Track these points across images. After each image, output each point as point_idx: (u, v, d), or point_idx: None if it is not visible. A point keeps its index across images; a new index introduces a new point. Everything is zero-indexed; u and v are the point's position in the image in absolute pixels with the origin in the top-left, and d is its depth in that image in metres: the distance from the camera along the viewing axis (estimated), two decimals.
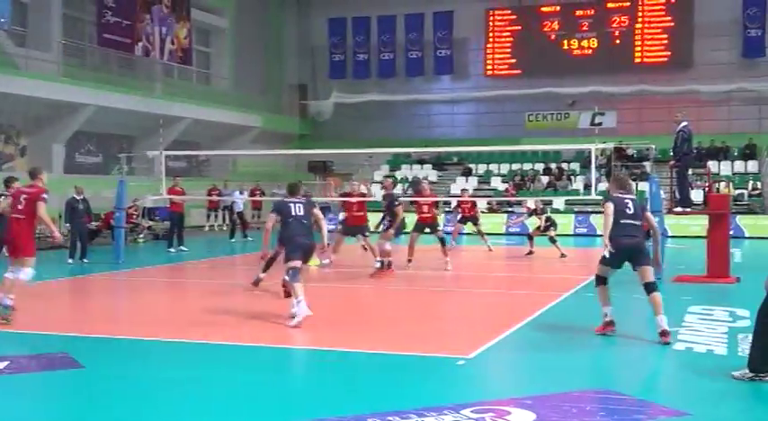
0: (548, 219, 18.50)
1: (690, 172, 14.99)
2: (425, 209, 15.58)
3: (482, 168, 33.13)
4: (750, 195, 27.36)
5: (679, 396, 6.40)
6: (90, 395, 6.41)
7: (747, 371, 6.53)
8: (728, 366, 6.83)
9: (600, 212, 8.88)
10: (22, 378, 6.94)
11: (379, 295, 12.54)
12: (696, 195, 21.24)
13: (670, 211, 15.17)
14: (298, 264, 9.27)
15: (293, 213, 9.41)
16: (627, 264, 8.47)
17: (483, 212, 22.77)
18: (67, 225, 17.84)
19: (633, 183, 27.18)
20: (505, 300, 12.11)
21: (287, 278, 9.36)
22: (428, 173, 32.20)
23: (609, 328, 8.49)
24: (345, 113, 35.48)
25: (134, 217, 22.84)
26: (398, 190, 28.30)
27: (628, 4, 32.81)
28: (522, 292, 12.98)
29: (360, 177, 29.31)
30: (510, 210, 27.69)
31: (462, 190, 23.96)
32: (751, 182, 27.98)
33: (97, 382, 6.77)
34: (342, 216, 16.94)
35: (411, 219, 15.99)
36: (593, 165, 16.13)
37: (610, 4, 32.98)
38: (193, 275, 16.15)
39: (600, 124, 31.38)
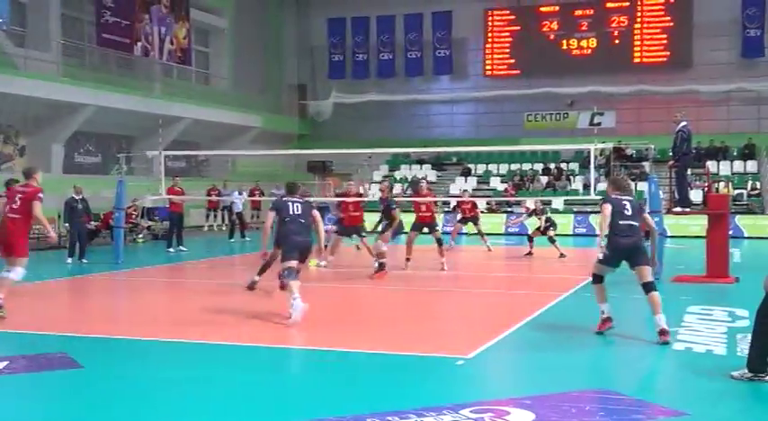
0: (547, 219, 18.50)
1: (689, 172, 15.00)
2: (424, 208, 15.60)
3: (481, 168, 33.13)
4: (749, 195, 27.37)
5: (678, 396, 6.41)
6: (89, 395, 6.40)
7: (746, 371, 6.53)
8: (727, 366, 6.83)
9: (599, 212, 8.88)
10: (21, 378, 6.93)
11: (377, 295, 12.54)
12: (695, 195, 21.27)
13: (669, 211, 15.18)
14: (293, 264, 9.29)
15: (291, 212, 9.45)
16: (625, 264, 8.50)
17: (482, 212, 22.76)
18: (66, 225, 17.83)
19: (632, 184, 27.42)
20: (505, 300, 12.11)
21: (283, 278, 9.39)
22: (427, 173, 32.21)
23: (607, 325, 8.52)
24: (345, 113, 35.49)
25: (133, 217, 22.83)
26: (398, 190, 28.38)
27: (627, 3, 32.82)
28: (521, 292, 12.99)
29: (359, 177, 29.36)
30: (509, 210, 27.70)
31: (463, 191, 24.00)
32: (750, 182, 27.99)
33: (96, 382, 6.77)
34: (335, 214, 17.00)
35: (410, 220, 16.01)
36: (592, 166, 16.12)
37: (609, 4, 32.98)
38: (193, 275, 16.15)
39: (599, 124, 31.50)
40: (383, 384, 6.75)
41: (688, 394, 6.44)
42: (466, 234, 22.28)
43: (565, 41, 33.45)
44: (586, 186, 26.10)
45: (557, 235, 18.57)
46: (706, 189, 19.22)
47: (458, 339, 8.65)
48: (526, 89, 33.57)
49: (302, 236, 9.46)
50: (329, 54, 36.87)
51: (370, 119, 34.95)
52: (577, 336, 8.61)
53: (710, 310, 10.10)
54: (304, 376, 7.29)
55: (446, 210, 27.14)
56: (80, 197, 17.58)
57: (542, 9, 33.90)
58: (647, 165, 25.40)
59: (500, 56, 34.66)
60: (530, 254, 18.27)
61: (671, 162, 14.38)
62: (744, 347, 7.24)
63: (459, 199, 21.01)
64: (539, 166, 32.00)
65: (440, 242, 15.25)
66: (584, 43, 33.26)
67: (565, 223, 24.31)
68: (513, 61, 34.45)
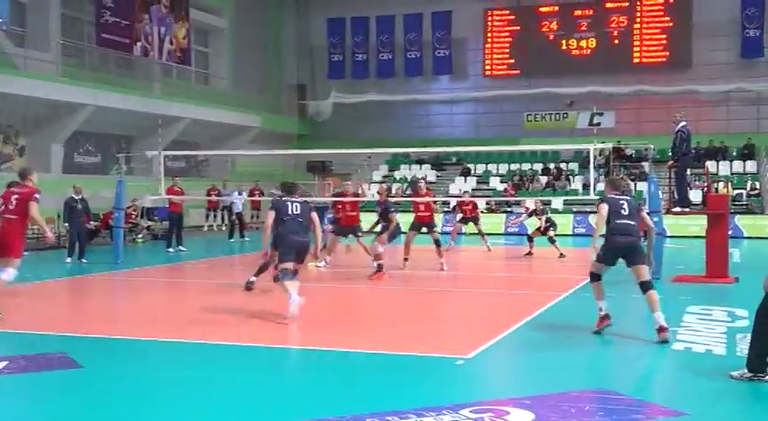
0: (548, 219, 18.50)
1: (688, 172, 15.00)
2: (422, 208, 15.59)
3: (481, 168, 33.14)
4: (749, 195, 27.38)
5: (677, 396, 6.41)
6: (88, 395, 6.40)
7: (746, 371, 6.53)
8: (727, 366, 6.84)
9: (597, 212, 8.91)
10: (21, 378, 6.92)
11: (377, 295, 12.54)
12: (695, 195, 21.27)
13: (669, 211, 15.18)
14: (289, 266, 9.39)
15: (290, 212, 9.54)
16: (624, 265, 8.53)
17: (482, 212, 22.77)
18: (66, 225, 17.83)
19: (632, 184, 27.44)
20: (504, 300, 12.11)
21: (279, 278, 9.50)
22: (427, 173, 32.21)
23: (605, 322, 8.54)
24: (344, 113, 35.49)
25: (133, 217, 22.84)
26: (396, 189, 28.35)
27: (626, 4, 32.83)
28: (520, 292, 12.99)
29: (358, 177, 29.36)
30: (509, 210, 27.71)
31: (463, 192, 24.00)
32: (749, 182, 28.00)
33: (96, 382, 6.77)
34: (331, 214, 17.07)
35: (409, 220, 16.01)
36: (591, 166, 16.14)
37: (608, 5, 33.00)
38: (192, 275, 16.15)
39: (598, 124, 31.49)
40: (383, 384, 6.75)
41: (687, 394, 6.44)
42: (465, 234, 22.26)
43: (564, 41, 33.46)
44: (586, 186, 26.13)
45: (556, 235, 18.57)
46: (705, 189, 19.25)
47: (457, 339, 8.65)
48: (526, 89, 33.59)
49: (299, 235, 9.52)
50: (329, 54, 36.88)
51: (369, 119, 34.95)
52: (577, 336, 8.61)
53: (710, 310, 10.10)
54: (303, 376, 7.29)
55: (446, 210, 27.16)
56: (79, 197, 17.58)
57: (542, 9, 33.91)
58: (646, 166, 25.39)
59: (500, 56, 34.67)
60: (529, 254, 18.27)
61: (670, 162, 14.39)
62: (743, 347, 7.25)
63: (460, 199, 21.03)
64: (538, 166, 32.02)
65: (438, 243, 15.25)
66: (583, 43, 33.27)
67: (564, 223, 24.32)
68: (512, 61, 34.45)
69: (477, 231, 20.07)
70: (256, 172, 29.46)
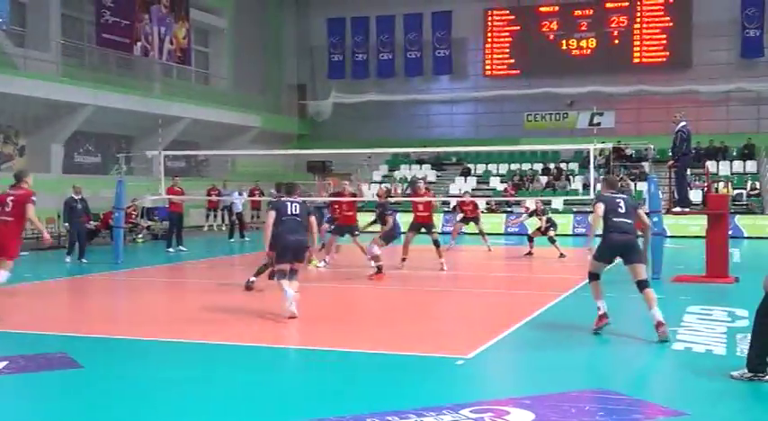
0: (548, 219, 18.51)
1: (688, 172, 15.00)
2: (421, 208, 15.59)
3: (481, 168, 33.13)
4: (749, 195, 27.38)
5: (677, 396, 6.41)
6: (89, 395, 6.40)
7: (746, 370, 6.54)
8: (727, 366, 6.84)
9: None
10: (21, 378, 6.93)
11: (377, 295, 12.54)
12: (695, 195, 21.28)
13: (669, 211, 15.18)
14: (284, 267, 9.55)
15: (289, 212, 9.70)
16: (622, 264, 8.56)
17: (482, 212, 22.78)
18: (66, 224, 17.83)
19: (631, 184, 27.45)
20: (504, 300, 12.11)
21: (275, 279, 9.68)
22: (427, 173, 32.21)
23: (603, 321, 8.56)
24: (344, 113, 35.49)
25: (133, 217, 22.83)
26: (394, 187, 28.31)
27: (626, 4, 32.82)
28: (520, 292, 12.99)
29: (357, 177, 29.35)
30: (509, 210, 27.70)
31: (464, 192, 24.01)
32: (749, 182, 27.99)
33: (96, 382, 6.77)
34: (328, 214, 17.10)
35: (409, 220, 16.03)
36: (591, 166, 16.12)
37: (608, 5, 32.99)
38: (192, 275, 16.15)
39: (598, 124, 31.52)
40: (383, 384, 6.75)
41: (688, 394, 6.44)
42: (466, 234, 22.24)
43: (564, 41, 33.45)
44: (586, 186, 26.11)
45: (557, 235, 18.57)
46: (705, 189, 19.25)
47: (458, 339, 8.65)
48: (526, 89, 33.59)
49: (296, 234, 9.65)
50: (329, 54, 36.87)
51: (369, 119, 34.95)
52: (577, 336, 8.62)
53: (710, 310, 10.10)
54: (304, 376, 7.29)
55: (446, 209, 27.16)
56: (79, 197, 17.58)
57: (542, 9, 33.91)
58: (646, 166, 25.40)
59: (500, 56, 34.67)
60: (530, 254, 18.28)
61: (670, 162, 14.39)
62: (743, 347, 7.25)
63: (460, 199, 21.04)
64: (538, 166, 32.01)
65: (437, 243, 15.24)
66: (583, 43, 33.27)
67: (564, 223, 24.32)
68: (512, 61, 34.45)
69: (478, 231, 20.09)
70: (256, 172, 29.46)
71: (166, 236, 20.66)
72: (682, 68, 31.86)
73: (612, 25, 32.97)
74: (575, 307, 10.71)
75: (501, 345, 8.18)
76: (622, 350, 8.11)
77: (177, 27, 29.83)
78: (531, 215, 19.63)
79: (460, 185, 30.58)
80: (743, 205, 26.60)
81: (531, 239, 18.50)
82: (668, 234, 18.24)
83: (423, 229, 15.48)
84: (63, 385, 6.73)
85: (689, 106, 25.95)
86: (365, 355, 7.78)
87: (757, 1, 31.02)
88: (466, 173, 32.42)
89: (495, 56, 34.71)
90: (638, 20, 32.71)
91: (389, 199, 16.00)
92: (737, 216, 24.65)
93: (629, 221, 8.51)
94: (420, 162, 33.68)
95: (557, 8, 33.63)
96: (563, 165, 31.59)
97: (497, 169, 32.86)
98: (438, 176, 32.64)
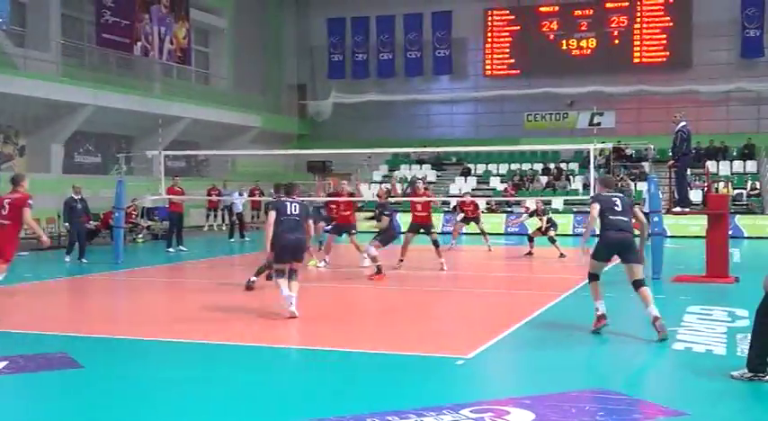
0: (549, 219, 18.52)
1: (688, 172, 15.00)
2: (419, 208, 15.58)
3: (481, 168, 33.13)
4: (749, 195, 27.38)
5: (678, 396, 6.41)
6: (89, 395, 6.40)
7: (746, 370, 6.54)
8: (727, 366, 6.84)
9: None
10: (21, 378, 6.93)
11: (377, 295, 12.54)
12: (695, 195, 21.28)
13: (669, 211, 15.18)
14: (282, 267, 9.70)
15: (289, 212, 9.83)
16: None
17: (483, 212, 22.79)
18: (66, 224, 17.84)
19: (632, 184, 27.45)
20: (504, 300, 12.11)
21: (273, 278, 9.93)
22: (427, 173, 32.20)
23: (601, 322, 8.58)
24: (344, 113, 35.50)
25: (133, 217, 22.83)
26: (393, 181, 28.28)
27: (626, 4, 32.82)
28: (521, 292, 12.99)
29: (356, 177, 29.34)
30: (509, 210, 27.70)
31: (464, 193, 24.04)
32: (750, 182, 27.99)
33: (96, 382, 6.77)
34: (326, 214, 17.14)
35: (408, 220, 16.03)
36: (591, 165, 16.11)
37: (608, 4, 32.98)
38: (192, 275, 16.15)
39: (599, 124, 31.52)
40: (383, 384, 6.75)
41: (688, 394, 6.44)
42: (465, 234, 22.25)
43: (564, 41, 33.45)
44: (586, 186, 26.11)
45: (557, 235, 18.58)
46: (706, 189, 19.25)
47: (458, 339, 8.65)
48: (526, 89, 33.59)
49: (294, 233, 9.76)
50: (329, 54, 36.87)
51: (369, 119, 34.95)
52: (577, 336, 8.62)
53: (710, 310, 10.11)
54: (303, 376, 7.29)
55: (446, 209, 27.17)
56: (79, 197, 17.58)
57: (542, 9, 33.90)
58: (646, 166, 25.41)
59: (500, 56, 34.66)
60: (530, 254, 18.28)
61: (670, 162, 14.39)
62: (744, 347, 7.25)
63: (461, 200, 21.07)
64: (538, 166, 32.00)
65: (436, 243, 15.23)
66: (583, 43, 33.26)
67: (564, 223, 24.32)
68: (512, 61, 34.45)
69: (479, 230, 20.13)
70: (257, 172, 29.46)
71: (166, 236, 20.66)
72: (682, 68, 31.85)
73: (612, 25, 32.96)
74: (575, 307, 10.71)
75: (501, 345, 8.18)
76: (622, 350, 8.11)
77: (177, 27, 29.83)
78: (531, 215, 19.63)
79: (460, 185, 30.58)
80: (743, 205, 26.60)
81: (531, 239, 18.51)
82: (668, 234, 18.24)
83: (421, 230, 15.48)
84: (63, 385, 6.73)
85: (689, 106, 25.96)
86: (365, 355, 7.78)
87: (757, 1, 31.02)
88: (466, 173, 32.41)
89: (495, 56, 34.70)
90: (639, 20, 32.70)
91: (389, 199, 15.99)
92: (737, 216, 24.65)
93: (625, 219, 8.58)
94: (420, 162, 33.68)
95: (557, 8, 33.62)
96: (563, 165, 31.59)
97: (497, 169, 32.86)
98: (438, 176, 32.64)
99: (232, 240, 23.42)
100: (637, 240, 8.77)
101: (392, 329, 9.28)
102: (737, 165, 29.67)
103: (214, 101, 31.24)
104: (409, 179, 29.85)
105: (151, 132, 26.08)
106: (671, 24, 32.33)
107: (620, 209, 8.58)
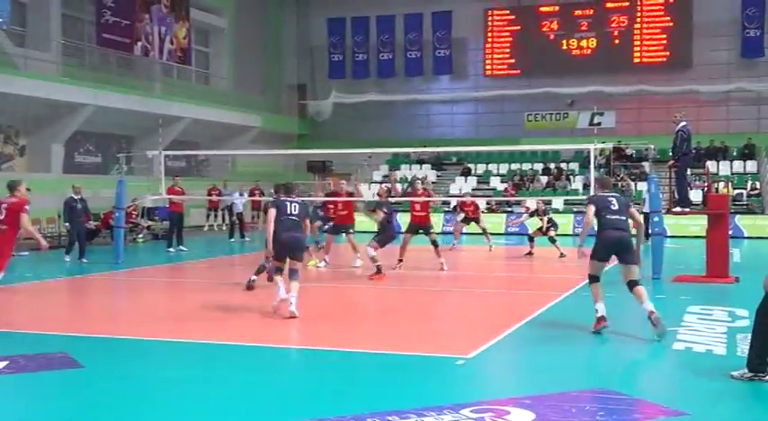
0: (549, 219, 18.52)
1: (689, 172, 15.00)
2: (418, 207, 15.58)
3: (481, 168, 33.13)
4: (749, 195, 27.38)
5: (678, 396, 6.41)
6: (89, 395, 6.41)
7: (746, 370, 6.54)
8: (727, 366, 6.84)
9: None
10: (21, 378, 6.93)
11: (377, 295, 12.54)
12: (695, 195, 21.28)
13: (669, 211, 15.18)
14: (281, 265, 9.96)
15: (288, 212, 9.97)
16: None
17: (483, 212, 22.80)
18: (66, 224, 17.84)
19: (632, 184, 27.44)
20: (505, 300, 12.11)
21: (272, 274, 10.29)
22: (427, 173, 32.20)
23: (601, 324, 8.59)
24: (344, 113, 35.50)
25: (133, 217, 22.83)
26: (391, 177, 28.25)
27: (626, 4, 32.81)
28: (521, 292, 12.99)
29: (358, 177, 29.34)
30: (509, 210, 27.70)
31: (464, 193, 24.05)
32: (750, 182, 27.99)
33: (96, 382, 6.77)
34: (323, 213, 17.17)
35: (407, 220, 16.04)
36: (592, 165, 16.11)
37: (609, 4, 32.97)
38: (193, 275, 16.14)
39: (599, 124, 31.53)
40: (383, 384, 6.75)
41: (688, 394, 6.44)
42: (466, 234, 22.25)
43: (565, 41, 33.44)
44: (586, 186, 26.10)
45: (557, 235, 18.59)
46: (706, 189, 19.24)
47: (458, 339, 8.65)
48: (526, 89, 33.58)
49: (292, 231, 9.91)
50: (329, 54, 36.86)
51: (370, 119, 34.95)
52: (577, 336, 8.62)
53: (710, 310, 10.11)
54: (304, 376, 7.29)
55: (446, 209, 27.17)
56: (79, 197, 17.59)
57: (542, 9, 33.89)
58: (646, 165, 25.42)
59: (500, 56, 34.66)
60: (530, 254, 18.29)
61: (671, 162, 14.39)
62: (744, 347, 7.25)
63: (462, 200, 21.09)
64: (539, 166, 31.99)
65: (435, 243, 15.22)
66: (584, 43, 33.25)
67: (565, 223, 24.32)
68: (513, 61, 34.44)
69: (481, 230, 20.15)
70: (257, 172, 29.46)
71: (167, 236, 20.67)
72: (682, 68, 31.85)
73: (613, 25, 32.95)
74: (575, 307, 10.70)
75: (501, 345, 8.18)
76: (622, 350, 8.11)
77: (177, 27, 29.84)
78: (531, 215, 19.64)
79: (461, 185, 30.58)
80: (743, 205, 26.60)
81: (531, 239, 18.51)
82: (668, 234, 18.24)
83: (420, 230, 15.47)
84: (63, 385, 6.73)
85: (689, 106, 25.97)
86: (365, 355, 7.78)
87: (757, 1, 31.01)
88: (466, 173, 32.41)
89: (495, 56, 34.70)
90: (639, 20, 32.69)
91: (390, 199, 16.01)
92: (738, 216, 24.65)
93: (622, 218, 8.67)
94: (420, 162, 33.68)
95: (557, 8, 33.61)
96: (563, 165, 31.58)
97: (498, 169, 32.85)
98: (438, 176, 32.64)
99: (232, 240, 23.43)
100: (633, 240, 8.79)
101: (392, 329, 9.29)
102: (737, 165, 29.67)
103: (214, 101, 31.25)
104: (409, 179, 29.89)
105: (151, 132, 26.08)
106: (671, 24, 32.32)
107: (616, 208, 8.66)
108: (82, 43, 27.22)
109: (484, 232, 19.99)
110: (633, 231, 8.99)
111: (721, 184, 26.32)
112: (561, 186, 29.78)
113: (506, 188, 29.37)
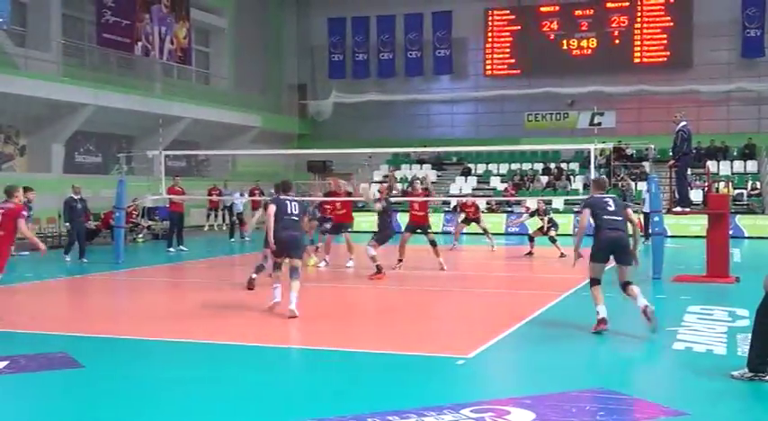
0: (550, 219, 18.52)
1: (689, 172, 15.00)
2: (417, 207, 15.59)
3: (481, 168, 33.13)
4: (749, 195, 27.38)
5: (678, 396, 6.41)
6: (90, 395, 6.41)
7: (746, 370, 6.54)
8: (728, 366, 6.84)
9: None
10: (22, 377, 6.93)
11: (377, 295, 12.54)
12: (695, 195, 21.27)
13: (669, 211, 15.18)
14: (280, 261, 10.14)
15: (288, 211, 10.02)
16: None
17: (483, 212, 22.80)
18: (67, 224, 17.85)
19: (632, 184, 27.44)
20: (505, 300, 12.11)
21: (272, 271, 10.45)
22: (427, 173, 32.15)
23: (602, 326, 8.60)
24: (345, 113, 35.49)
25: (134, 216, 22.83)
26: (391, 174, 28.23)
27: (627, 3, 32.80)
28: (521, 292, 12.99)
29: (357, 177, 29.36)
30: (509, 210, 27.70)
31: (465, 194, 24.07)
32: (750, 182, 27.99)
33: (97, 382, 6.78)
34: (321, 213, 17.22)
35: (407, 220, 16.05)
36: (592, 165, 16.12)
37: (609, 4, 32.97)
38: (193, 275, 16.15)
39: (599, 124, 31.53)
40: (384, 384, 6.75)
41: (688, 394, 6.44)
42: (467, 234, 22.24)
43: (565, 41, 33.44)
44: (586, 186, 26.10)
45: (557, 235, 18.58)
46: (706, 189, 19.20)
47: (458, 339, 8.65)
48: (526, 89, 33.58)
49: (291, 230, 9.97)
50: (329, 54, 36.86)
51: (370, 119, 34.95)
52: (577, 336, 8.62)
53: (711, 310, 10.11)
54: (305, 376, 7.30)
55: (446, 209, 27.16)
56: (79, 197, 17.59)
57: (542, 9, 33.89)
58: (647, 165, 25.40)
59: (500, 56, 34.65)
60: (530, 254, 18.29)
61: (671, 162, 14.39)
62: (744, 347, 7.25)
63: (462, 201, 21.11)
64: (539, 166, 31.99)
65: (434, 243, 15.23)
66: (584, 43, 33.25)
67: (565, 223, 24.29)
68: (513, 61, 34.44)
69: (482, 230, 20.16)
70: (257, 172, 29.46)
71: (167, 235, 20.67)
72: (682, 68, 31.84)
73: (613, 25, 32.94)
74: (575, 307, 10.71)
75: (501, 345, 8.19)
76: (622, 350, 8.12)
77: (178, 27, 29.84)
78: (532, 215, 19.64)
79: (461, 185, 30.59)
80: (743, 205, 26.60)
81: (531, 239, 18.51)
82: (669, 234, 18.24)
83: (418, 230, 15.49)
84: (64, 385, 6.74)
85: (689, 106, 25.98)
86: (366, 355, 7.78)
87: (758, 1, 31.00)
88: (466, 173, 32.41)
89: (495, 56, 34.69)
90: (639, 20, 32.69)
91: (390, 199, 16.02)
92: (738, 216, 24.65)
93: (619, 218, 8.74)
94: (420, 162, 33.68)
95: (557, 8, 33.61)
96: (563, 165, 31.57)
97: (498, 169, 32.85)
98: (438, 176, 32.61)
99: (232, 240, 23.43)
100: (630, 241, 8.81)
101: (393, 329, 9.29)
102: (738, 165, 29.67)
103: (214, 101, 31.25)
104: (409, 179, 29.88)
105: (152, 132, 26.08)
106: (671, 24, 32.32)
107: (612, 209, 8.75)
108: (82, 43, 27.22)
109: (485, 232, 20.01)
110: (630, 231, 9.00)
111: (722, 184, 26.30)
112: (561, 186, 29.78)
113: (506, 188, 29.37)
